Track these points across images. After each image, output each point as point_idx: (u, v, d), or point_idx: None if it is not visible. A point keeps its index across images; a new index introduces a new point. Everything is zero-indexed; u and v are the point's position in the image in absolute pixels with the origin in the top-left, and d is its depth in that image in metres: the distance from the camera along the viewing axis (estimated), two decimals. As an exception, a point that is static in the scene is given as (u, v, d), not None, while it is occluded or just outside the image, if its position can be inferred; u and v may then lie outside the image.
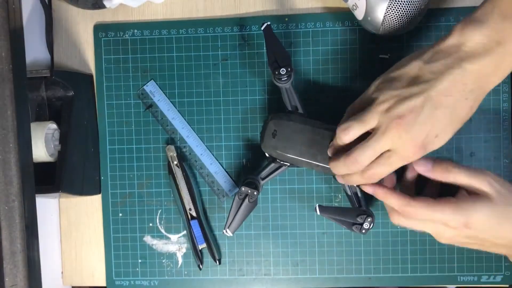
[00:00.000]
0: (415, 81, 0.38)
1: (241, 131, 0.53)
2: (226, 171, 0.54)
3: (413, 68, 0.39)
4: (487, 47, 0.36)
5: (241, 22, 0.53)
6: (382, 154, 0.40)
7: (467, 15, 0.38)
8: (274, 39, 0.46)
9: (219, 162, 0.54)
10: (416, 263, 0.52)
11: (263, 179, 0.49)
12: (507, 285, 0.52)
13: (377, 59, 0.52)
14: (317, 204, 0.45)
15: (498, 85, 0.51)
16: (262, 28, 0.46)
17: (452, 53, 0.37)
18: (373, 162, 0.40)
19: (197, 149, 0.54)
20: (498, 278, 0.52)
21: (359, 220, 0.45)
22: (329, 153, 0.44)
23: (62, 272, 0.56)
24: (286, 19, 0.52)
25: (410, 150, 0.38)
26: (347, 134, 0.41)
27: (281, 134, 0.46)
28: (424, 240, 0.52)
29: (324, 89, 0.53)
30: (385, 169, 0.40)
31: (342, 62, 0.52)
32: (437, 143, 0.39)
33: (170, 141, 0.54)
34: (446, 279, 0.52)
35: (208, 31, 0.53)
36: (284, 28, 0.52)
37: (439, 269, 0.52)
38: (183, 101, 0.54)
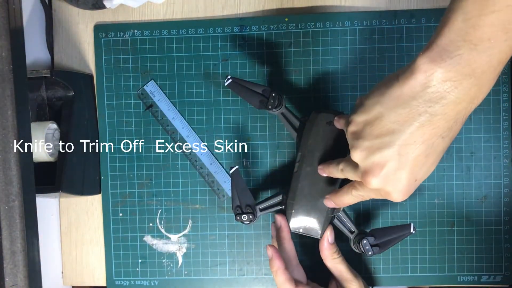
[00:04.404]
0: (382, 131, 0.35)
1: (241, 131, 0.53)
2: (226, 171, 0.54)
3: (377, 116, 0.35)
4: (457, 84, 0.31)
5: (241, 22, 0.53)
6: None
7: (427, 46, 0.32)
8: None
9: (219, 162, 0.54)
10: (416, 263, 0.52)
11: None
12: (507, 285, 0.52)
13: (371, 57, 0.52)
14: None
15: (498, 85, 0.51)
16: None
17: (416, 97, 0.33)
18: (361, 185, 0.40)
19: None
20: (498, 278, 0.52)
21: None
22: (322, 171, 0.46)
23: (62, 272, 0.56)
24: (286, 19, 0.52)
25: (395, 196, 0.37)
26: (324, 173, 0.45)
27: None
28: (424, 240, 0.52)
29: (324, 89, 0.53)
30: (369, 196, 0.41)
31: (342, 62, 0.52)
32: (419, 183, 0.37)
33: (170, 141, 0.54)
34: (446, 279, 0.52)
35: (208, 31, 0.53)
36: (284, 28, 0.52)
37: (439, 269, 0.52)
38: (183, 101, 0.54)
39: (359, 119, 0.37)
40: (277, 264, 0.46)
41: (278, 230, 0.48)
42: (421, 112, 0.33)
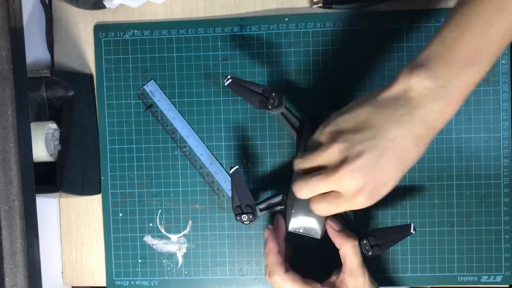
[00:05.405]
0: (362, 128, 0.38)
1: (241, 131, 0.53)
2: (226, 171, 0.54)
3: (361, 114, 0.39)
4: (433, 93, 0.36)
5: (241, 22, 0.53)
6: (331, 192, 0.40)
7: (411, 60, 0.38)
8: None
9: (219, 162, 0.54)
10: (416, 263, 0.52)
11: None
12: (507, 285, 0.52)
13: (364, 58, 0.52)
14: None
15: (498, 85, 0.51)
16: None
17: (398, 99, 0.37)
18: (322, 197, 0.41)
19: (197, 149, 0.54)
20: (498, 278, 0.52)
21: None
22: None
23: (62, 272, 0.56)
24: (286, 19, 0.52)
25: (361, 198, 0.38)
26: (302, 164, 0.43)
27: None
28: (424, 240, 0.52)
29: (324, 89, 0.53)
30: (331, 208, 0.41)
31: (342, 62, 0.52)
32: (386, 190, 0.39)
33: (170, 141, 0.54)
34: (446, 279, 0.52)
35: (208, 31, 0.53)
36: (284, 28, 0.52)
37: (439, 269, 0.52)
38: (183, 101, 0.54)
39: (341, 118, 0.40)
40: (270, 246, 0.47)
41: (275, 228, 0.49)
42: (402, 114, 0.37)
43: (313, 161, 0.41)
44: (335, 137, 0.39)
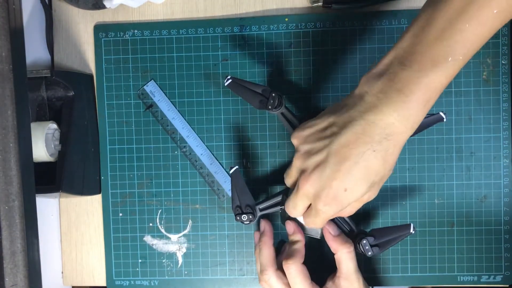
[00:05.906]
0: (323, 136, 0.38)
1: (241, 131, 0.53)
2: (226, 171, 0.54)
3: (324, 121, 0.39)
4: (388, 97, 0.35)
5: (241, 22, 0.53)
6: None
7: (371, 67, 0.38)
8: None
9: (219, 162, 0.54)
10: (416, 263, 0.52)
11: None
12: (507, 285, 0.52)
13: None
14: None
15: (498, 85, 0.51)
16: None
17: (356, 104, 0.37)
18: (305, 213, 0.42)
19: (197, 149, 0.54)
20: (498, 278, 0.52)
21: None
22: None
23: (62, 272, 0.56)
24: (286, 19, 0.52)
25: (321, 204, 0.39)
26: (286, 182, 0.44)
27: None
28: (424, 240, 0.52)
29: (324, 89, 0.53)
30: (313, 220, 0.41)
31: (342, 62, 0.52)
32: (350, 196, 0.38)
33: (170, 141, 0.54)
34: (446, 279, 0.52)
35: (208, 31, 0.53)
36: (284, 28, 0.52)
37: (439, 269, 0.52)
38: (183, 101, 0.54)
39: (307, 124, 0.41)
40: (265, 239, 0.48)
41: (261, 234, 0.49)
42: (357, 117, 0.37)
43: (291, 175, 0.42)
44: (298, 148, 0.40)
